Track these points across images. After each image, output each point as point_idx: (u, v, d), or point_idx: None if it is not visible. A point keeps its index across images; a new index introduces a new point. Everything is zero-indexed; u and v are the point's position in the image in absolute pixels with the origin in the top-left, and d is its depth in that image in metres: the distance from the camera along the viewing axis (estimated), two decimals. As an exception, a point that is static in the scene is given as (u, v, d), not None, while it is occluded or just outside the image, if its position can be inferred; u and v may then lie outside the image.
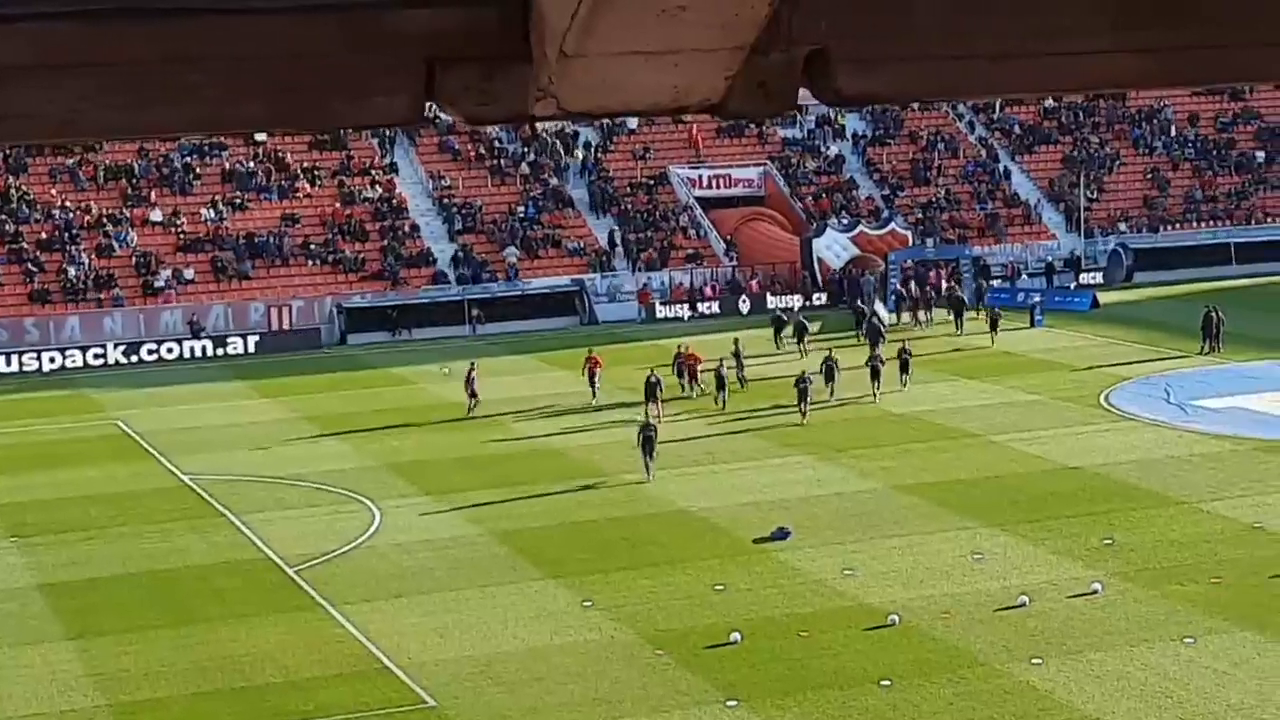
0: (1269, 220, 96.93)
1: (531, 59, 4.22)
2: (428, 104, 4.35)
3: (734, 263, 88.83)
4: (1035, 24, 4.31)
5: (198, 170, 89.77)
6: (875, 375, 61.09)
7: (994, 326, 72.16)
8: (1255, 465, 49.91)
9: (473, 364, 63.57)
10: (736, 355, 64.75)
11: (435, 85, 4.25)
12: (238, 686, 35.40)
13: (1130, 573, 40.25)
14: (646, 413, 56.91)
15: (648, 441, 49.89)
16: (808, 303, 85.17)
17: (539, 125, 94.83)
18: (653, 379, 59.07)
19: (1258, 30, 4.38)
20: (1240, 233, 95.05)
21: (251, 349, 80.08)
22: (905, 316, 79.08)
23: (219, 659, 37.03)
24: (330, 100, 4.26)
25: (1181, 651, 34.96)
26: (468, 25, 4.19)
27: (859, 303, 78.47)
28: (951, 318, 76.15)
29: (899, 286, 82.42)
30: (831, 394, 60.37)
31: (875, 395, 60.61)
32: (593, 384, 62.55)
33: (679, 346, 65.88)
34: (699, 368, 63.06)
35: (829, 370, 60.85)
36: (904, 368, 62.26)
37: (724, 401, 60.52)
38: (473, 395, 61.62)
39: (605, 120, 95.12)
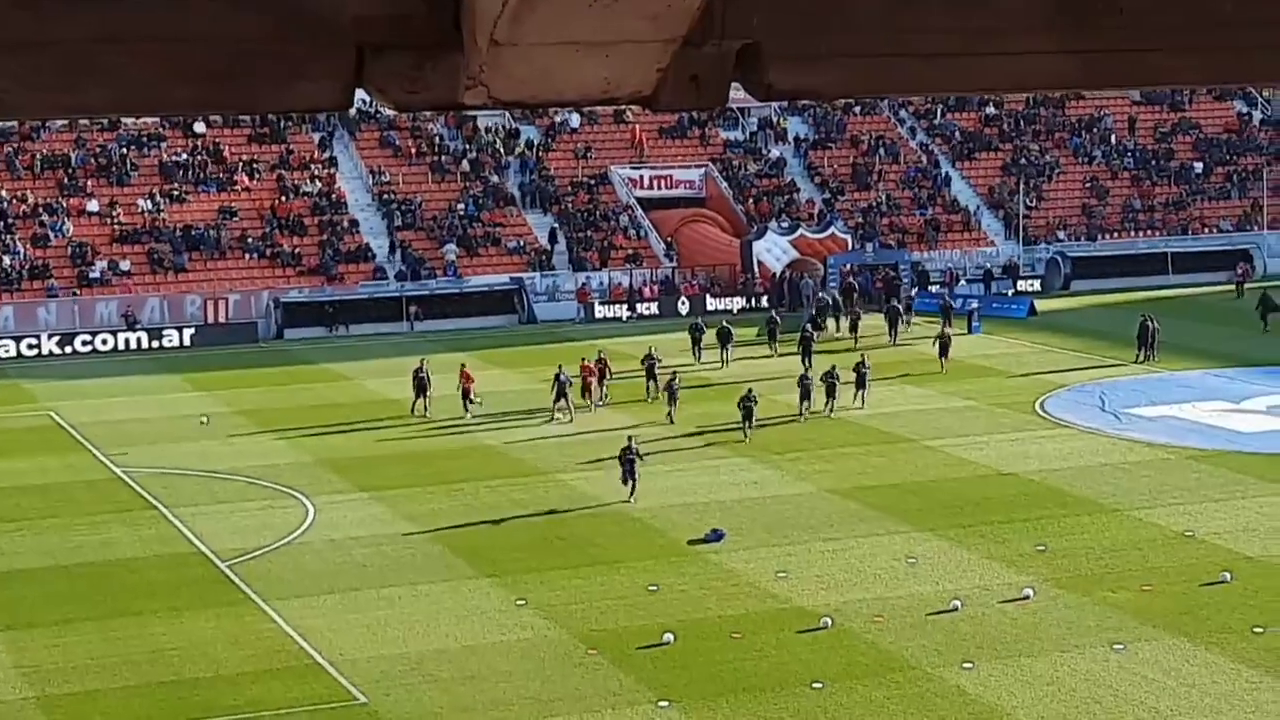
0: (1206, 231, 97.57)
1: (463, 47, 4.20)
2: (357, 90, 4.32)
3: (674, 264, 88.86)
4: (969, 24, 4.32)
5: (135, 161, 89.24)
6: (806, 395, 59.06)
7: (944, 352, 67.87)
8: (1187, 474, 50.23)
9: (423, 361, 62.97)
10: (650, 361, 63.14)
11: (365, 71, 4.23)
12: (168, 681, 35.21)
13: (1062, 579, 40.44)
14: (552, 411, 58.84)
15: (629, 465, 47.90)
16: (748, 305, 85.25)
17: (481, 122, 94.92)
18: (562, 377, 59.73)
19: (1182, 36, 4.41)
20: (1177, 242, 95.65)
21: (187, 342, 79.68)
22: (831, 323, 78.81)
23: (149, 653, 36.82)
24: (258, 85, 4.23)
25: (1111, 658, 35.15)
26: (398, 12, 4.17)
27: (775, 313, 77.84)
28: (886, 327, 74.88)
29: (836, 293, 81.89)
30: (830, 410, 58.65)
31: (802, 413, 58.86)
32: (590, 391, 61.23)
33: (599, 353, 63.98)
34: (593, 381, 60.94)
35: (830, 385, 58.62)
36: (860, 383, 59.54)
37: (672, 416, 58.41)
38: (421, 393, 61.06)
39: (537, 112, 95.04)
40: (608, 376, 62.07)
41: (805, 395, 58.70)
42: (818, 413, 58.37)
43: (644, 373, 63.20)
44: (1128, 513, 46.07)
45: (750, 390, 57.15)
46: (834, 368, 60.05)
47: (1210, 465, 51.31)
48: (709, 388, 64.11)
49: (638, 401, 61.46)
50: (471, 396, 60.17)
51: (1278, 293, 77.76)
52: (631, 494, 47.84)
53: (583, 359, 62.83)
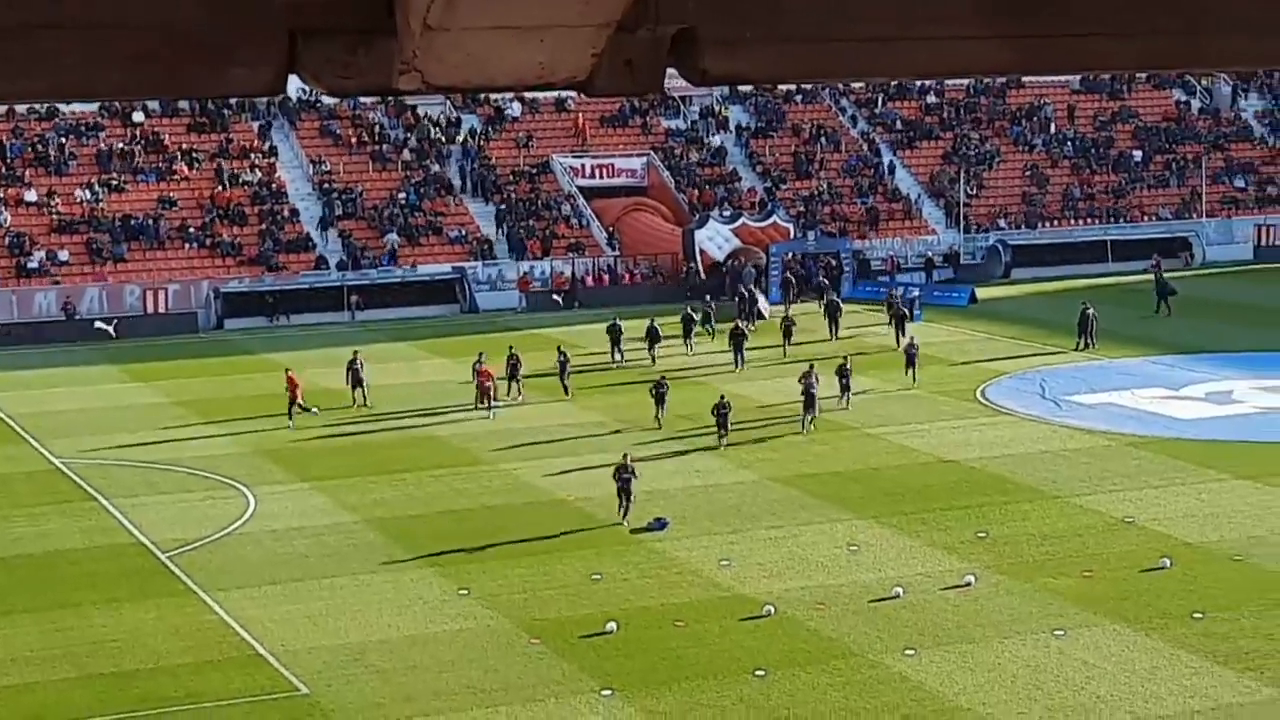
0: (1145, 218, 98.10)
1: (396, 32, 4.17)
2: (290, 75, 4.29)
3: (616, 253, 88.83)
4: (902, 9, 4.32)
5: (73, 150, 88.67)
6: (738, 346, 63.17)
7: (900, 326, 68.61)
8: (1127, 460, 50.50)
9: (355, 352, 62.82)
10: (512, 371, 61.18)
11: (298, 57, 4.20)
12: (107, 672, 35.03)
13: (1003, 565, 40.62)
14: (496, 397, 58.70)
15: (625, 483, 44.68)
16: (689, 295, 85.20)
17: (421, 111, 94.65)
18: (514, 360, 60.40)
19: (1118, 21, 4.41)
20: (1117, 230, 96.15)
21: (126, 332, 79.19)
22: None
23: (88, 645, 36.62)
24: (190, 70, 4.20)
25: (1052, 644, 35.32)
26: (331, -4, 4.15)
27: (745, 289, 77.87)
28: (826, 322, 73.15)
29: (751, 285, 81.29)
30: (847, 404, 57.71)
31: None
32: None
33: (510, 348, 62.62)
34: (489, 384, 58.50)
35: (844, 381, 57.35)
36: (845, 387, 58.02)
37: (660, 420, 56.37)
38: (357, 384, 60.74)
39: (478, 100, 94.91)
40: (520, 371, 60.83)
41: (809, 403, 55.18)
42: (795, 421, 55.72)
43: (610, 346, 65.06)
44: (1068, 499, 46.30)
45: (810, 368, 56.56)
46: (812, 368, 56.88)
47: (1150, 452, 51.61)
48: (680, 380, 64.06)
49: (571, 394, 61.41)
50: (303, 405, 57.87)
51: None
52: (625, 515, 44.41)
53: (476, 362, 60.35)
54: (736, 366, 65.23)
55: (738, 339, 66.33)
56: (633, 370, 65.77)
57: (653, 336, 67.83)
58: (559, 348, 63.77)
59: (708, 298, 76.77)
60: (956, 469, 50.03)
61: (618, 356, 67.59)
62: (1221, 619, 36.57)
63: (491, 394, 58.35)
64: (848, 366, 58.83)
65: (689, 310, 71.53)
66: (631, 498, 44.47)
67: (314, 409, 58.12)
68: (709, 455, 52.18)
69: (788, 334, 69.36)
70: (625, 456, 45.81)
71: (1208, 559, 40.97)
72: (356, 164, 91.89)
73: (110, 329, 76.72)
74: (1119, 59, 4.59)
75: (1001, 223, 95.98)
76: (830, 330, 72.58)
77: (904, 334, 67.61)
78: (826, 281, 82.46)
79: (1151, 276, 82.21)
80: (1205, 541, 42.40)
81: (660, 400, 55.98)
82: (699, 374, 64.14)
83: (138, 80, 4.25)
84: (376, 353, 64.73)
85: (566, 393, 61.01)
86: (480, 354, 60.99)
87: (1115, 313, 74.07)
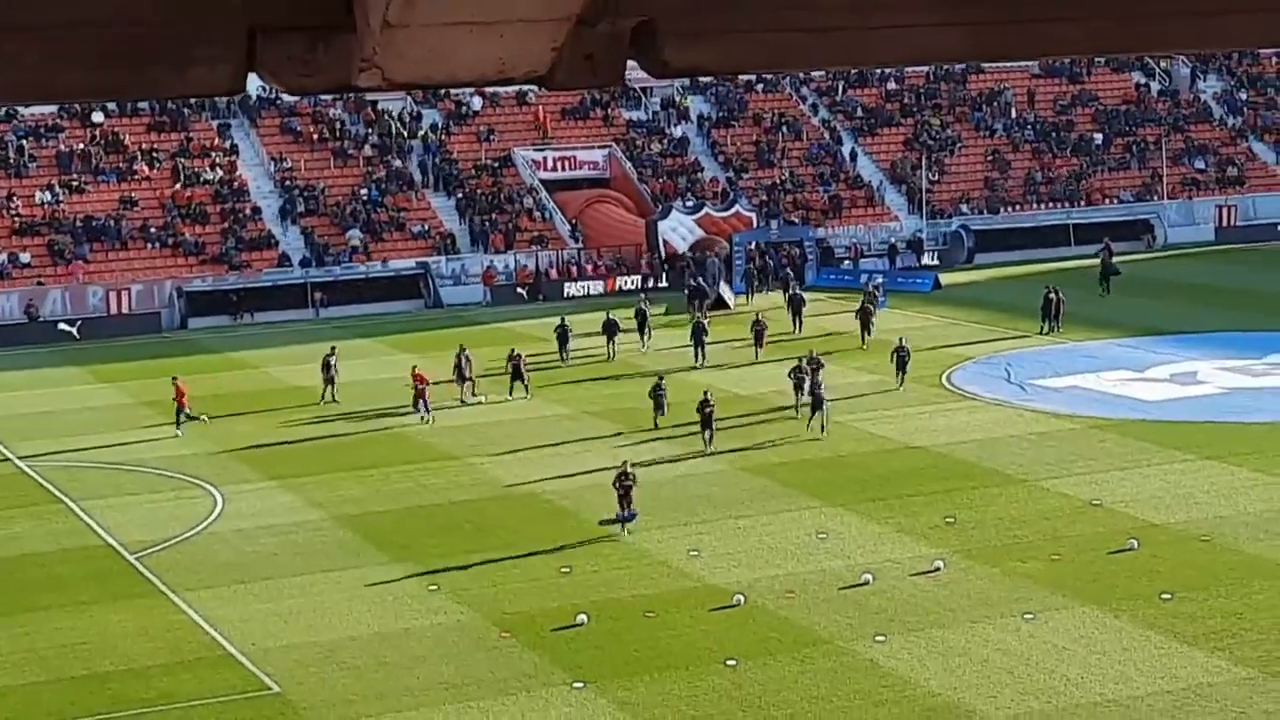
0: (1106, 201, 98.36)
1: (356, 29, 4.17)
2: (250, 74, 4.29)
3: (579, 245, 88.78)
4: (859, -1, 4.33)
5: (33, 152, 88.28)
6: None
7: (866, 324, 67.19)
8: (1093, 443, 50.67)
9: (332, 348, 62.73)
10: (515, 362, 60.30)
11: (257, 55, 4.19)
12: (78, 675, 34.94)
13: (971, 550, 40.74)
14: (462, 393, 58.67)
15: (625, 491, 43.05)
16: (654, 284, 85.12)
17: (382, 106, 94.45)
18: (463, 357, 59.84)
19: (1070, 6, 4.44)
20: (1079, 214, 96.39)
21: (89, 333, 78.95)
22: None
23: (58, 647, 36.52)
24: (151, 69, 4.19)
25: (1022, 627, 35.44)
26: (290, -6, 4.14)
27: (694, 281, 77.75)
28: (790, 315, 71.71)
29: (700, 279, 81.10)
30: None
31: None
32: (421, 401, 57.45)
33: (461, 347, 61.52)
34: (425, 389, 56.82)
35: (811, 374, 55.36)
36: (901, 366, 58.83)
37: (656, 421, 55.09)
38: (330, 381, 60.65)
39: (439, 95, 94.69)
40: (471, 370, 59.84)
41: (800, 388, 55.23)
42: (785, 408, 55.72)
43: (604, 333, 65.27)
44: (1035, 483, 46.44)
45: (812, 353, 57.32)
46: (803, 361, 56.59)
47: (1116, 434, 51.78)
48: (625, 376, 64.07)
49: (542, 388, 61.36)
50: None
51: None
52: (625, 523, 42.94)
53: (413, 366, 59.17)
54: (697, 361, 64.39)
55: (698, 333, 65.07)
56: (590, 365, 65.70)
57: (610, 329, 67.14)
58: (512, 349, 62.26)
59: (643, 297, 75.69)
60: (923, 455, 50.13)
61: (564, 356, 66.34)
62: (1190, 599, 36.74)
63: (426, 398, 56.72)
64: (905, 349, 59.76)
65: (641, 304, 71.00)
66: (632, 506, 42.94)
67: (203, 417, 57.23)
68: (676, 445, 52.19)
69: (759, 339, 65.83)
70: (625, 464, 44.09)
71: (1175, 540, 41.14)
72: (318, 161, 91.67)
73: (74, 330, 76.45)
74: (1074, 43, 4.61)
75: (964, 208, 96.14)
76: (794, 324, 71.01)
77: (869, 332, 66.52)
78: (791, 273, 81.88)
79: (1099, 260, 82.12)
80: (1172, 522, 42.57)
81: (659, 404, 54.35)
82: (660, 369, 64.01)
83: (98, 81, 4.24)
84: (341, 350, 64.44)
85: (526, 391, 60.04)
86: (461, 347, 61.10)
87: (1078, 296, 74.27)
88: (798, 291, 74.32)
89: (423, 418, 56.48)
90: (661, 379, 56.23)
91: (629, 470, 43.48)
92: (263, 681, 34.08)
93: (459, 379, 59.71)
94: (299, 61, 4.17)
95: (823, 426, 52.57)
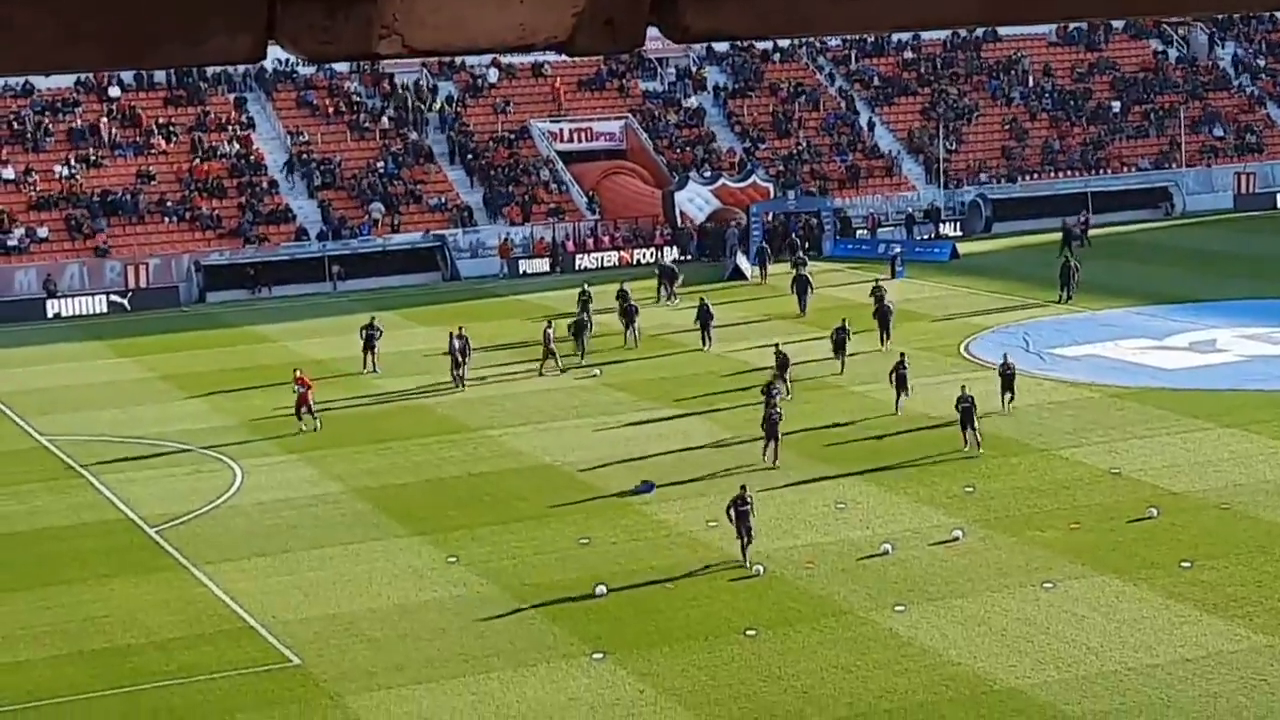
0: (1124, 169, 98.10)
1: (375, -4, 4.15)
2: (269, 42, 4.26)
3: (596, 217, 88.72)
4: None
5: (50, 127, 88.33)
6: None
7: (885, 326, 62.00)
8: (1112, 412, 50.59)
9: (373, 318, 62.64)
10: (459, 352, 58.14)
11: (276, 23, 4.17)
12: (99, 648, 35.05)
13: (991, 519, 40.72)
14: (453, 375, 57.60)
15: (742, 517, 38.17)
16: (684, 256, 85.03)
17: (398, 79, 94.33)
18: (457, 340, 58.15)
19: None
20: (1096, 182, 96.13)
21: (108, 308, 79.09)
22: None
23: (80, 621, 36.65)
24: (168, 39, 4.17)
25: (1041, 596, 35.43)
26: (308, -39, 4.11)
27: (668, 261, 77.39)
28: (795, 297, 69.38)
29: (764, 242, 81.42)
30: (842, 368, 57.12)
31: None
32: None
33: (459, 328, 59.19)
34: (309, 394, 52.77)
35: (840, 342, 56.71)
36: (839, 348, 57.53)
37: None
38: (369, 349, 60.54)
39: (455, 67, 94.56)
40: (468, 355, 58.52)
41: (840, 348, 57.16)
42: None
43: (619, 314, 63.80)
44: (1054, 452, 46.38)
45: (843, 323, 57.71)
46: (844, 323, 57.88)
47: (1134, 403, 51.70)
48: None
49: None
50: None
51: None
52: (745, 550, 38.13)
53: (295, 370, 54.86)
54: (704, 345, 62.26)
55: (704, 317, 62.89)
56: (608, 337, 65.63)
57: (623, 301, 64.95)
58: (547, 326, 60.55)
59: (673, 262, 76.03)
60: (941, 424, 50.05)
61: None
62: (1209, 567, 36.71)
63: (310, 402, 52.56)
64: (846, 331, 57.91)
65: (664, 263, 71.22)
66: (751, 532, 38.19)
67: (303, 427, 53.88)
68: (693, 418, 52.18)
69: (839, 348, 58.33)
70: (743, 488, 39.22)
71: (1194, 508, 41.10)
72: (334, 134, 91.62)
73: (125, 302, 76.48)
74: (1091, 5, 4.56)
75: (981, 177, 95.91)
76: (800, 306, 68.43)
77: (889, 337, 60.87)
78: (801, 254, 77.30)
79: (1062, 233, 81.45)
80: (1191, 491, 42.52)
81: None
82: (676, 342, 63.90)
83: (114, 52, 4.22)
84: (359, 323, 64.29)
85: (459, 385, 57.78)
86: (459, 327, 59.89)
87: (1097, 265, 74.10)
88: (803, 273, 71.08)
89: (306, 425, 52.28)
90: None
91: (746, 495, 38.64)
92: (283, 654, 34.17)
93: (453, 363, 58.07)
94: (319, 29, 4.14)
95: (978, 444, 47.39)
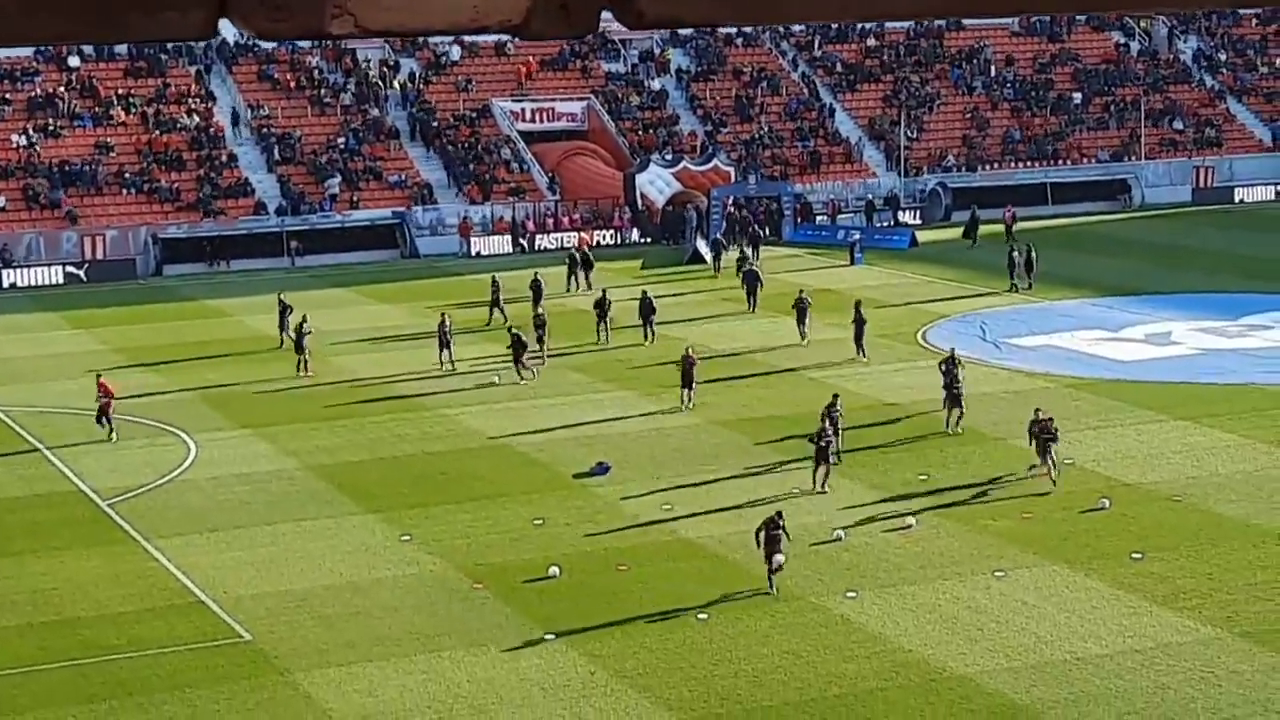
0: (1084, 160, 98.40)
1: (329, -26, 4.13)
2: (222, 20, 4.25)
3: (557, 197, 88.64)
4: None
5: (8, 96, 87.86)
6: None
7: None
8: (1067, 402, 50.74)
9: (444, 314, 59.30)
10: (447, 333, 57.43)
11: (229, 0, 4.15)
12: (50, 621, 34.92)
13: (944, 507, 40.83)
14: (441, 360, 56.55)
15: (772, 541, 35.71)
16: (644, 239, 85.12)
17: (360, 55, 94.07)
18: (446, 325, 57.44)
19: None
20: (1056, 173, 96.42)
21: (64, 279, 78.76)
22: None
23: (30, 593, 36.50)
24: (124, 13, 4.15)
25: (992, 585, 35.56)
26: (262, -62, 4.10)
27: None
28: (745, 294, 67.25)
29: (719, 234, 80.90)
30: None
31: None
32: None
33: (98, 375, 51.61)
34: (110, 403, 49.42)
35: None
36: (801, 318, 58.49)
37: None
38: (445, 346, 57.01)
39: (417, 44, 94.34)
40: (451, 339, 57.37)
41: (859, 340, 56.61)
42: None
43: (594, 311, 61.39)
44: (1009, 441, 46.49)
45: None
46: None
47: (1089, 393, 51.90)
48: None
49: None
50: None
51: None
52: (773, 575, 35.58)
53: (98, 374, 51.40)
54: (646, 339, 60.62)
55: (646, 311, 60.98)
56: (563, 316, 65.60)
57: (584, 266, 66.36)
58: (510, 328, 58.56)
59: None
60: (897, 411, 50.21)
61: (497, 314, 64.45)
62: (1160, 559, 36.88)
63: (110, 413, 49.26)
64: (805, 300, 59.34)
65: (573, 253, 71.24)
66: (782, 557, 35.59)
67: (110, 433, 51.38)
68: (651, 400, 52.21)
69: (801, 316, 60.10)
70: (779, 514, 36.58)
71: (1146, 499, 41.28)
72: (295, 108, 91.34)
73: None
74: (1047, 3, 4.58)
75: (942, 165, 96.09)
76: (749, 303, 66.55)
77: (863, 353, 57.37)
78: (750, 249, 76.15)
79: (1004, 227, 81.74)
80: (1144, 482, 42.71)
81: (688, 380, 51.25)
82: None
83: (72, 25, 4.20)
84: (317, 299, 64.37)
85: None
86: (443, 314, 59.02)
87: (1055, 255, 74.33)
88: (754, 268, 69.36)
89: (109, 435, 49.05)
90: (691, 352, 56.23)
91: (779, 520, 36.12)
92: (234, 629, 34.09)
93: (440, 344, 57.18)
94: (270, 7, 4.13)
95: (958, 422, 47.93)
